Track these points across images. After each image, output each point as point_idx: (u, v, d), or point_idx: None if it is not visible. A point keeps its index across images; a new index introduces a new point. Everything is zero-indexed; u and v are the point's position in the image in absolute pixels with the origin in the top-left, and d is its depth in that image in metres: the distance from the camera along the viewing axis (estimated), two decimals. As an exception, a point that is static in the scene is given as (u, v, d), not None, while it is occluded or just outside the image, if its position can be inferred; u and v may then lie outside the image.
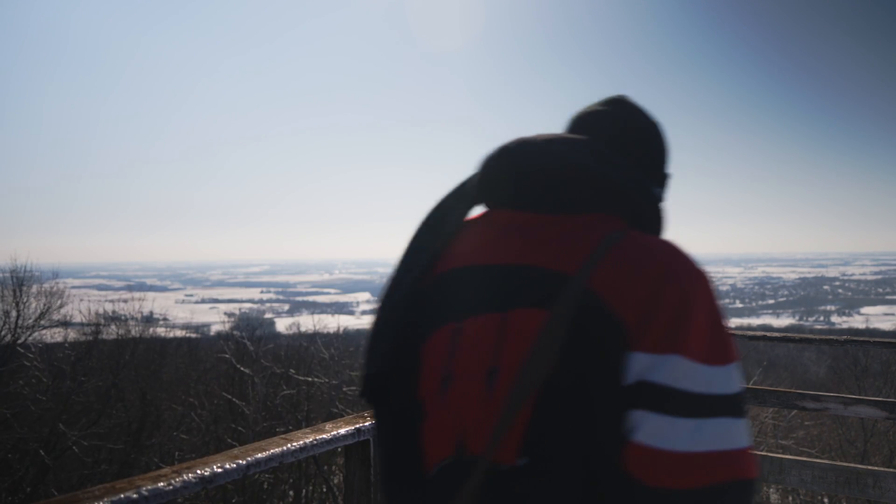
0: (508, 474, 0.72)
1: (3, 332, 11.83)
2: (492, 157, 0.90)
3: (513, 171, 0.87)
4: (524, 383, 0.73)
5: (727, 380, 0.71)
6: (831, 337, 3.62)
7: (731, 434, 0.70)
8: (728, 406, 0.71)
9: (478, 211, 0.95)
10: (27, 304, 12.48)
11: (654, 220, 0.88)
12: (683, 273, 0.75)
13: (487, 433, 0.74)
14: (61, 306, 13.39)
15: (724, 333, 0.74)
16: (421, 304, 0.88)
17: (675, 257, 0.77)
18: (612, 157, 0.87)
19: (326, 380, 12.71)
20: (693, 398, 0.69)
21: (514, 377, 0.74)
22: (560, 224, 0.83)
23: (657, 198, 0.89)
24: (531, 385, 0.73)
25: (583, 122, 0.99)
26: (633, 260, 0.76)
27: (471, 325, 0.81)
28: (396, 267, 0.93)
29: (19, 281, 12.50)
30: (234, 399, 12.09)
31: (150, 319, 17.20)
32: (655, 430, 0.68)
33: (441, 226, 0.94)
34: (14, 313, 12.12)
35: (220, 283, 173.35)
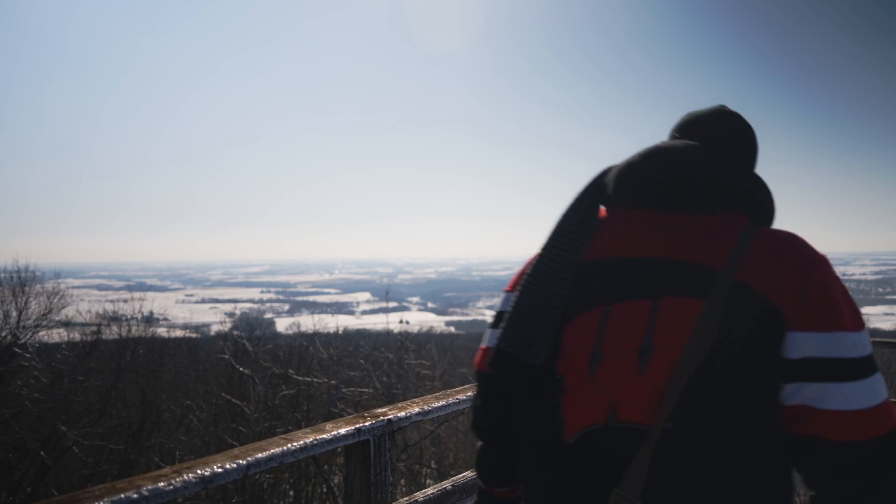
0: (661, 435, 0.87)
1: (3, 333, 11.82)
2: (633, 163, 1.04)
3: (654, 176, 1.01)
4: (689, 361, 0.88)
5: (867, 341, 0.88)
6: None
7: (882, 387, 0.87)
8: (873, 364, 0.87)
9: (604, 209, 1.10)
10: (28, 305, 12.48)
11: (771, 214, 1.05)
12: (817, 258, 0.92)
13: (641, 403, 0.90)
14: (62, 307, 13.39)
15: (854, 302, 0.91)
16: (566, 290, 1.02)
17: (805, 246, 0.94)
18: (732, 161, 1.05)
19: (326, 380, 12.71)
20: (858, 362, 0.85)
21: (674, 355, 0.89)
22: (698, 223, 0.98)
23: (770, 195, 1.05)
24: (695, 362, 0.87)
25: (692, 127, 1.13)
26: (773, 252, 0.93)
27: (620, 309, 0.96)
28: (541, 255, 1.07)
29: (20, 281, 12.50)
30: (233, 399, 12.09)
31: (150, 319, 17.18)
32: (840, 396, 0.84)
33: (582, 222, 1.07)
34: (15, 314, 12.13)
35: (221, 283, 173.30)
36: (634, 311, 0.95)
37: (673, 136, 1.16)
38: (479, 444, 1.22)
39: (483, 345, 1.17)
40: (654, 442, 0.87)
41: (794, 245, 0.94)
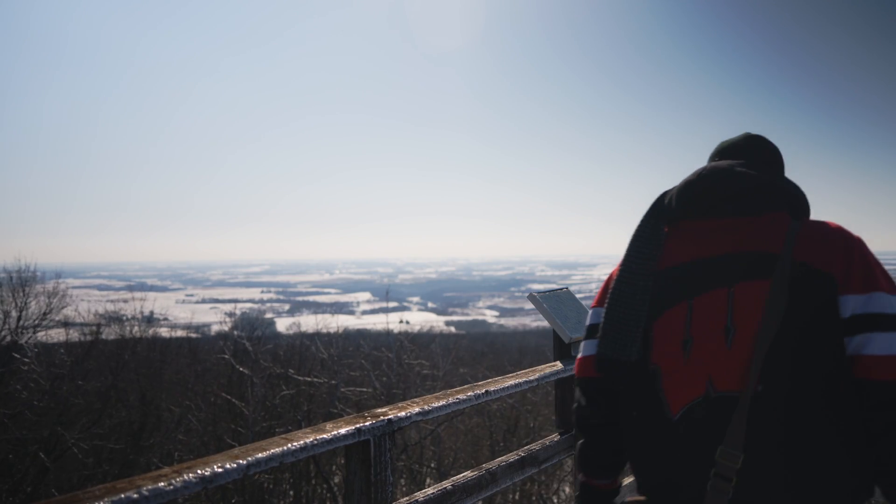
0: (753, 400, 1.10)
1: (3, 333, 11.82)
2: (690, 182, 1.31)
3: (709, 190, 1.28)
4: (766, 332, 1.12)
5: None
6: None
7: None
8: None
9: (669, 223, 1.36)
10: (28, 305, 12.47)
11: (807, 210, 1.32)
12: (854, 237, 1.19)
13: (733, 373, 1.13)
14: (63, 307, 13.38)
15: (888, 273, 1.15)
16: (647, 296, 1.28)
17: (842, 229, 1.21)
18: (767, 171, 1.31)
19: (326, 380, 12.70)
20: (893, 318, 1.09)
21: (754, 329, 1.13)
22: (755, 222, 1.24)
23: (804, 194, 1.32)
24: (771, 331, 1.11)
25: (729, 151, 1.42)
26: (820, 234, 1.19)
27: (701, 300, 1.21)
28: (621, 271, 1.33)
29: (20, 281, 12.49)
30: (233, 399, 12.09)
31: (150, 319, 17.18)
32: (878, 344, 1.08)
33: (651, 238, 1.33)
34: (15, 314, 12.12)
35: (221, 283, 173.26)
36: (714, 299, 1.20)
37: (711, 160, 1.44)
38: (582, 441, 1.42)
39: (580, 355, 1.42)
40: (747, 404, 1.10)
41: (835, 228, 1.20)
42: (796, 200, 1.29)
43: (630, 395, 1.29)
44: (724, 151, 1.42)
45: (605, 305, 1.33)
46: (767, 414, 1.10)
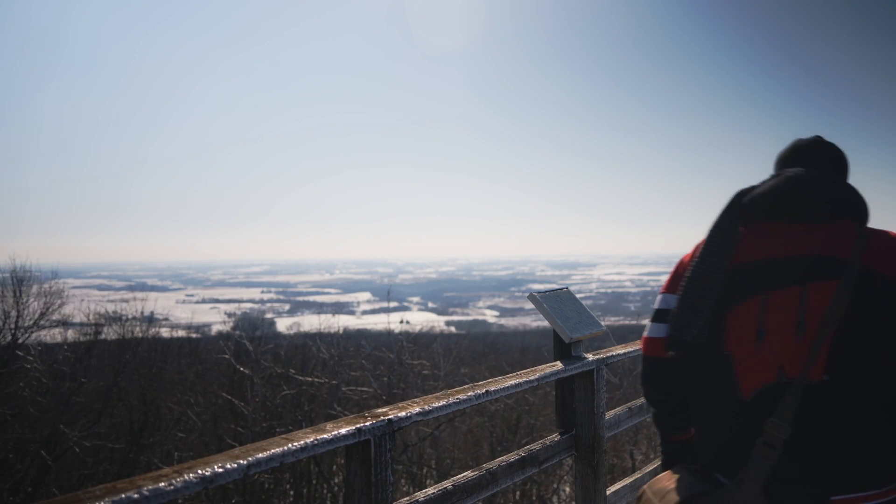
0: (817, 386, 1.30)
1: (3, 333, 11.81)
2: (772, 188, 1.46)
3: (788, 198, 1.43)
4: (826, 325, 1.30)
5: None
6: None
7: None
8: None
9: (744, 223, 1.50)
10: (27, 305, 12.46)
11: (868, 218, 1.45)
12: None
13: (802, 362, 1.31)
14: (61, 306, 13.37)
15: None
16: (724, 287, 1.44)
17: None
18: (836, 179, 1.48)
19: (327, 380, 12.70)
20: None
21: (819, 323, 1.31)
22: (826, 229, 1.41)
23: (866, 202, 1.46)
24: (831, 326, 1.30)
25: (801, 153, 1.58)
26: (887, 244, 1.38)
27: (775, 295, 1.38)
28: (698, 262, 1.49)
29: (19, 281, 12.48)
30: (234, 399, 12.09)
31: (150, 319, 17.16)
32: None
33: (727, 235, 1.48)
34: (14, 313, 12.11)
35: (221, 283, 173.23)
36: (788, 296, 1.37)
37: (784, 160, 1.61)
38: (653, 410, 1.67)
39: (648, 335, 1.62)
40: (800, 387, 1.31)
41: (894, 237, 1.40)
42: (861, 210, 1.45)
43: (703, 375, 1.49)
44: (801, 156, 1.58)
45: (679, 292, 1.50)
46: (832, 401, 1.30)
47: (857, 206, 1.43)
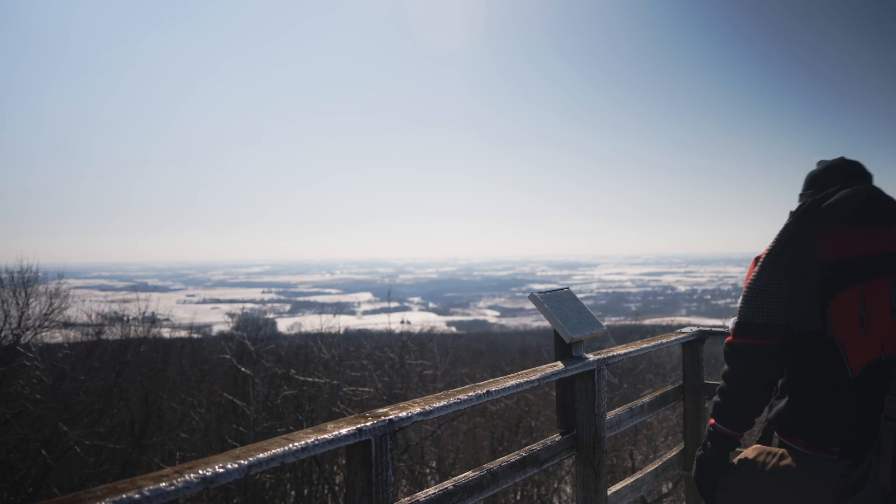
0: None
1: (5, 333, 11.82)
2: (852, 198, 1.75)
3: (871, 203, 1.76)
4: None
5: None
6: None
7: None
8: None
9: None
10: (30, 305, 12.47)
11: None
12: None
13: None
14: (64, 307, 13.38)
15: None
16: (823, 280, 1.68)
17: None
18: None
19: (328, 380, 12.70)
20: None
21: None
22: (887, 231, 1.77)
23: None
24: None
25: (858, 170, 1.88)
26: None
27: (870, 286, 1.68)
28: (776, 255, 1.75)
29: (22, 281, 12.49)
30: (235, 399, 12.09)
31: (152, 320, 17.16)
32: None
33: (803, 235, 1.74)
34: (16, 314, 12.12)
35: (222, 284, 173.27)
36: (881, 286, 1.68)
37: (831, 177, 1.86)
38: (730, 401, 1.80)
39: (732, 327, 1.81)
40: None
41: None
42: None
43: (811, 358, 1.72)
44: (853, 173, 1.87)
45: (757, 287, 1.75)
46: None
47: None
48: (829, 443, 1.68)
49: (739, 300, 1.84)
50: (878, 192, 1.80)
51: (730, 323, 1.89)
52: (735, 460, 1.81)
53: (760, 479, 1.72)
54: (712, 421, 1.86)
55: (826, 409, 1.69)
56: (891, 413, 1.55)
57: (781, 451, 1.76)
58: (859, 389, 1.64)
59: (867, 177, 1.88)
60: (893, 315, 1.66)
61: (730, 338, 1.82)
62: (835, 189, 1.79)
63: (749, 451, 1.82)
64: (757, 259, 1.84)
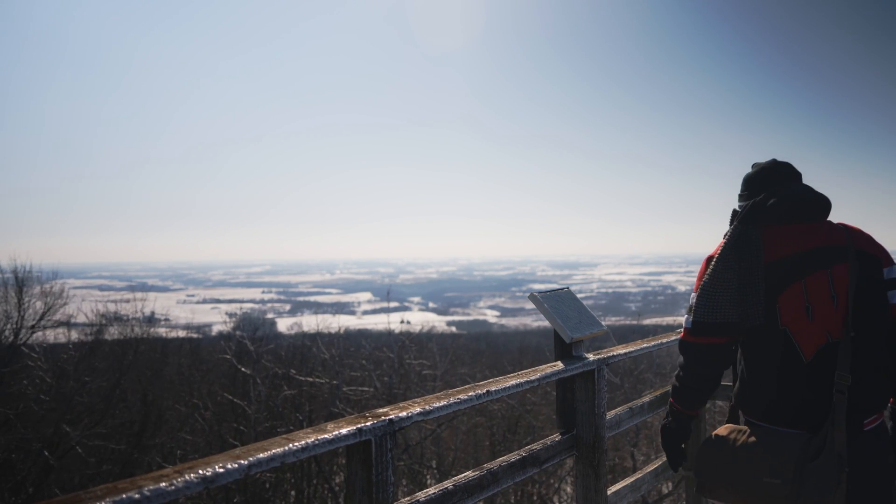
0: (851, 340, 1.82)
1: (5, 333, 11.82)
2: (790, 197, 1.95)
3: (807, 203, 1.95)
4: (850, 294, 1.84)
5: None
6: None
7: None
8: None
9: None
10: (28, 305, 12.47)
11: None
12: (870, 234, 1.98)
13: (839, 326, 1.83)
14: (63, 306, 13.38)
15: None
16: (768, 279, 1.89)
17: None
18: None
19: (328, 380, 12.71)
20: None
21: (846, 295, 1.84)
22: (824, 225, 1.95)
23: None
24: (852, 295, 1.84)
25: (790, 171, 2.06)
26: (859, 231, 1.96)
27: (811, 279, 1.87)
28: (727, 256, 1.94)
29: (21, 281, 12.49)
30: (235, 399, 12.09)
31: (151, 320, 17.17)
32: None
33: (750, 235, 1.94)
34: (15, 314, 12.12)
35: (222, 284, 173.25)
36: (820, 277, 1.87)
37: (766, 179, 2.04)
38: (686, 389, 2.09)
39: (688, 326, 2.01)
40: (849, 344, 1.82)
41: (860, 229, 1.98)
42: (829, 210, 1.99)
43: (762, 348, 1.93)
44: (785, 174, 2.04)
45: (710, 288, 1.95)
46: (858, 352, 1.83)
47: (829, 207, 1.98)
48: (790, 419, 1.90)
49: (692, 298, 2.02)
50: (811, 190, 1.98)
51: (683, 320, 2.09)
52: (711, 436, 2.03)
53: (733, 452, 1.94)
54: (671, 399, 2.18)
55: (785, 391, 1.90)
56: (840, 387, 1.80)
57: (748, 428, 1.97)
58: (813, 371, 1.85)
59: (798, 176, 2.05)
60: (833, 302, 1.85)
61: (683, 335, 2.05)
62: (773, 190, 1.99)
63: (722, 430, 2.03)
64: (709, 259, 2.04)
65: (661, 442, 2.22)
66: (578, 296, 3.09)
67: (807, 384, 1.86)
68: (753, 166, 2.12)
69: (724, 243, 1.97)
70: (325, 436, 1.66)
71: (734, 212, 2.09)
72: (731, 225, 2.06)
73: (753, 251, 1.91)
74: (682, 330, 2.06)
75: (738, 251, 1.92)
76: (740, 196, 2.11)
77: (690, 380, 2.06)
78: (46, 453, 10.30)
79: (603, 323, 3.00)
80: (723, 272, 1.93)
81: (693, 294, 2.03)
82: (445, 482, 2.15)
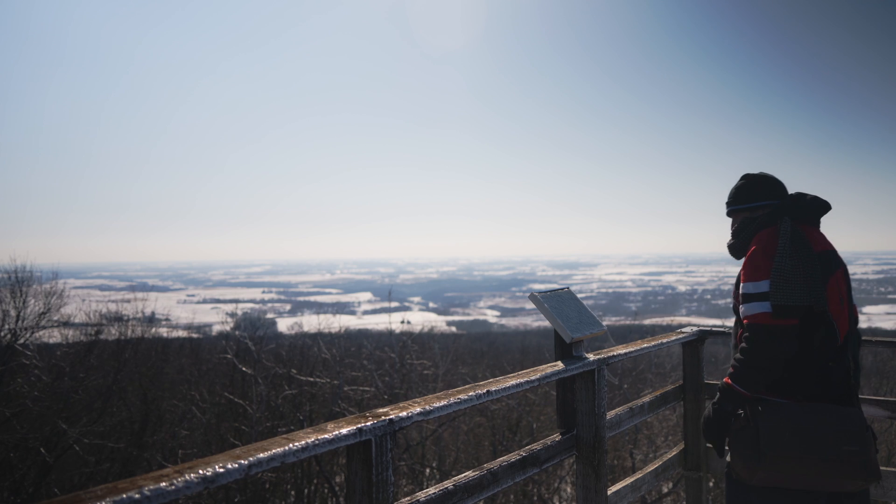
0: (855, 331, 2.37)
1: (3, 333, 11.82)
2: (813, 202, 2.40)
3: (822, 208, 2.42)
4: (849, 295, 2.40)
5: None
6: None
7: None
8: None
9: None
10: (27, 304, 12.46)
11: None
12: None
13: (851, 318, 2.35)
14: (62, 306, 13.37)
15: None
16: (818, 265, 2.22)
17: None
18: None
19: (328, 380, 12.71)
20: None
21: (848, 295, 2.36)
22: (821, 232, 2.44)
23: None
24: (849, 296, 2.40)
25: (774, 182, 2.50)
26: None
27: (837, 274, 2.30)
28: (790, 248, 2.22)
29: (19, 281, 12.48)
30: (235, 399, 12.10)
31: (152, 320, 17.17)
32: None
33: (798, 231, 2.28)
34: (14, 313, 12.12)
35: (222, 284, 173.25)
36: (841, 274, 2.32)
37: (768, 188, 2.48)
38: (761, 372, 2.20)
39: (762, 311, 2.20)
40: (855, 335, 2.34)
41: None
42: None
43: (816, 330, 2.21)
44: (778, 184, 2.50)
45: (786, 274, 2.18)
46: (851, 338, 2.32)
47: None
48: (828, 396, 2.20)
49: (757, 287, 2.22)
50: (814, 199, 2.45)
51: (747, 309, 2.24)
52: (771, 410, 2.21)
53: (807, 424, 2.14)
54: (729, 381, 2.25)
55: (825, 371, 2.22)
56: (853, 372, 2.30)
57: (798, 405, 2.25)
58: (842, 353, 2.24)
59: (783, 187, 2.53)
60: (849, 297, 2.36)
61: (761, 320, 2.19)
62: (800, 195, 2.41)
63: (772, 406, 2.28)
64: (762, 251, 2.27)
65: (711, 430, 2.31)
66: (578, 296, 3.09)
67: (839, 364, 2.23)
68: (747, 177, 2.51)
69: (781, 237, 2.25)
70: (326, 436, 1.66)
71: (766, 209, 2.44)
72: (761, 224, 2.36)
73: (807, 244, 2.23)
74: (754, 315, 2.20)
75: (796, 243, 2.22)
76: (755, 196, 2.47)
77: (765, 360, 2.18)
78: (44, 452, 10.29)
79: (603, 323, 3.00)
80: (790, 260, 2.19)
81: (750, 284, 2.23)
82: (446, 482, 2.15)
